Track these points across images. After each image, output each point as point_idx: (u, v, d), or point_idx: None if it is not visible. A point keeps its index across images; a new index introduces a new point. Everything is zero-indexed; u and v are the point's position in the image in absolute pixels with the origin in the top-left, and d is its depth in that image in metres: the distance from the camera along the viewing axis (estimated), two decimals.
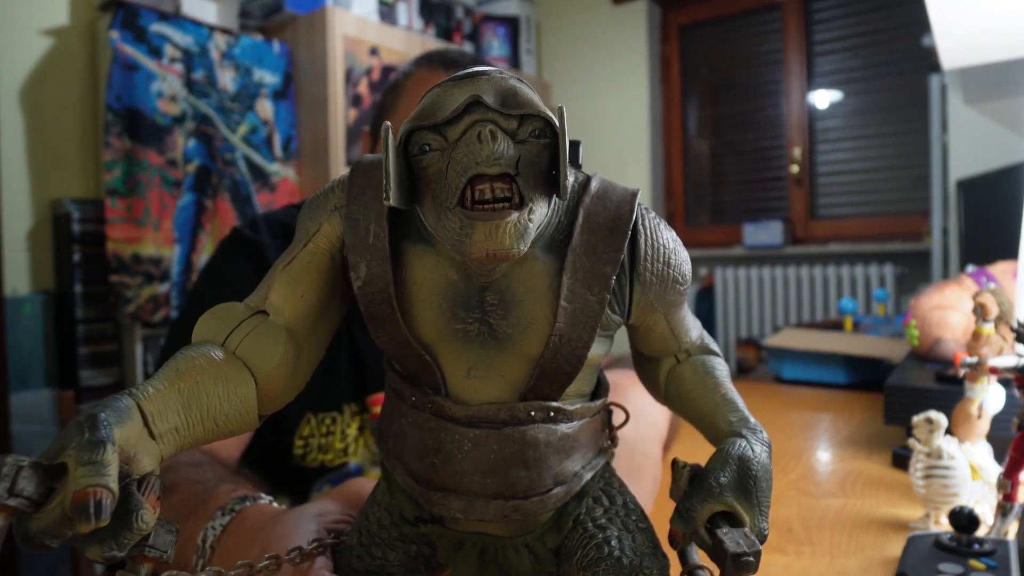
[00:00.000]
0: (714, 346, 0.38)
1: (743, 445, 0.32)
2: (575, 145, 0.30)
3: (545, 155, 0.29)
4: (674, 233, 0.34)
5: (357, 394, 0.88)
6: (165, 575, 0.29)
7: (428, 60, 0.91)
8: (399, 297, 0.32)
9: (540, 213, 0.29)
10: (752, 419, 0.34)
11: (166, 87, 2.18)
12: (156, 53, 2.16)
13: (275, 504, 0.54)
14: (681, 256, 0.34)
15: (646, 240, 0.33)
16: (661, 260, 0.33)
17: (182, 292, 2.20)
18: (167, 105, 2.19)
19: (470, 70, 0.30)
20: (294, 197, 2.50)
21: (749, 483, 0.31)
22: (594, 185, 0.33)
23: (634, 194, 0.33)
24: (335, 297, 0.35)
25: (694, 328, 0.38)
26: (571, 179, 0.30)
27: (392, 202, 0.29)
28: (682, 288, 0.34)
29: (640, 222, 0.33)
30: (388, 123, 0.29)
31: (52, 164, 2.16)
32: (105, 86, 2.10)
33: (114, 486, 0.24)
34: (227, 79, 2.33)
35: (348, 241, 0.32)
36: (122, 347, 2.19)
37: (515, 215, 0.28)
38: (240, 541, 0.49)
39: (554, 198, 0.30)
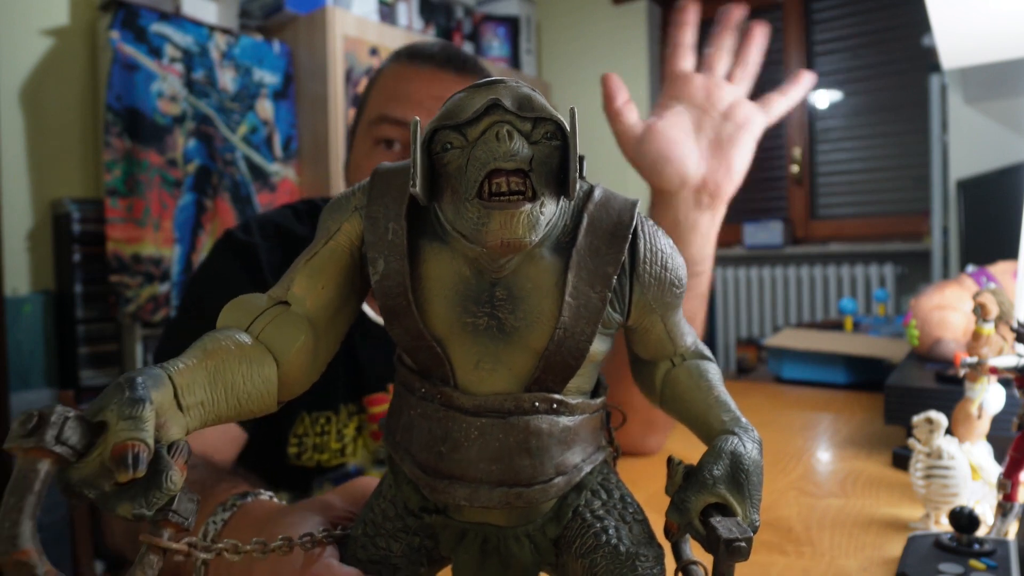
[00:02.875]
0: (707, 351, 0.40)
1: (735, 441, 0.33)
2: (580, 159, 0.32)
3: (556, 156, 0.32)
4: (671, 240, 0.37)
5: (353, 395, 0.88)
6: (184, 541, 0.31)
7: (397, 56, 0.94)
8: (414, 291, 0.33)
9: (549, 209, 0.31)
10: (743, 419, 0.35)
11: (166, 87, 2.19)
12: (156, 53, 2.16)
13: (276, 500, 0.54)
14: (677, 261, 0.36)
15: (645, 245, 0.35)
16: (659, 263, 0.35)
17: (182, 292, 2.20)
18: (167, 105, 2.19)
19: (490, 79, 0.33)
20: (294, 197, 2.50)
21: (741, 476, 0.32)
22: (597, 193, 0.35)
23: (634, 203, 0.35)
24: (353, 292, 0.37)
25: (689, 334, 0.39)
26: (578, 179, 0.32)
27: (418, 190, 0.31)
28: (678, 291, 0.36)
29: (639, 228, 0.35)
30: (417, 118, 0.31)
31: (52, 164, 2.16)
32: (105, 86, 2.10)
33: (151, 441, 0.26)
34: (227, 79, 2.33)
35: (368, 238, 0.34)
36: (122, 347, 2.20)
37: (528, 206, 0.30)
38: (243, 534, 0.49)
39: (561, 200, 0.33)
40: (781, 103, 0.79)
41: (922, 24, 1.87)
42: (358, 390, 0.88)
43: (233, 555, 0.35)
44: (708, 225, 0.79)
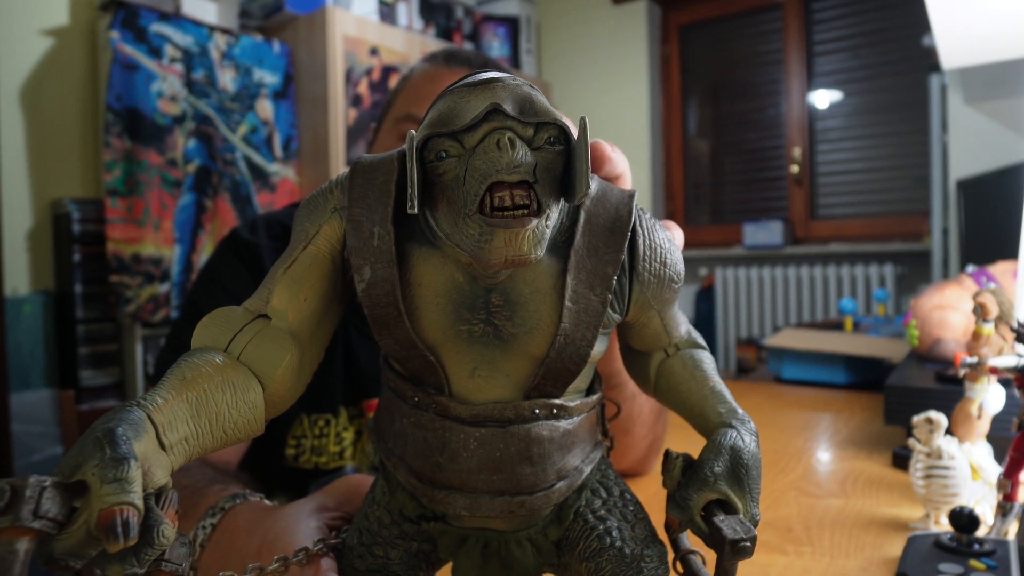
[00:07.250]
0: (700, 340, 0.39)
1: (734, 435, 0.33)
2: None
3: (559, 162, 0.30)
4: (668, 233, 0.36)
5: (353, 398, 0.87)
6: None
7: (433, 57, 0.91)
8: (404, 299, 0.32)
9: (554, 218, 0.30)
10: (740, 410, 0.35)
11: (166, 87, 2.19)
12: (156, 53, 2.16)
13: (267, 502, 0.53)
14: (676, 256, 0.35)
15: (644, 241, 0.34)
16: (658, 260, 0.34)
17: (182, 292, 2.20)
18: (167, 105, 2.19)
19: (485, 76, 0.30)
20: (294, 197, 2.50)
21: (741, 472, 0.32)
22: (593, 187, 0.33)
23: (631, 195, 0.34)
24: (336, 299, 0.34)
25: (683, 323, 0.39)
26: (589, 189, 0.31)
27: (416, 211, 0.29)
28: (676, 287, 0.36)
29: (638, 224, 0.34)
30: (412, 132, 0.29)
31: (52, 164, 2.16)
32: (105, 86, 2.10)
33: (140, 503, 0.24)
34: (227, 79, 2.33)
35: (351, 244, 0.32)
36: (122, 347, 2.20)
37: (534, 222, 0.28)
38: (234, 537, 0.49)
39: (561, 201, 0.31)
40: None
41: (922, 24, 1.87)
42: (357, 393, 0.87)
43: None
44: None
